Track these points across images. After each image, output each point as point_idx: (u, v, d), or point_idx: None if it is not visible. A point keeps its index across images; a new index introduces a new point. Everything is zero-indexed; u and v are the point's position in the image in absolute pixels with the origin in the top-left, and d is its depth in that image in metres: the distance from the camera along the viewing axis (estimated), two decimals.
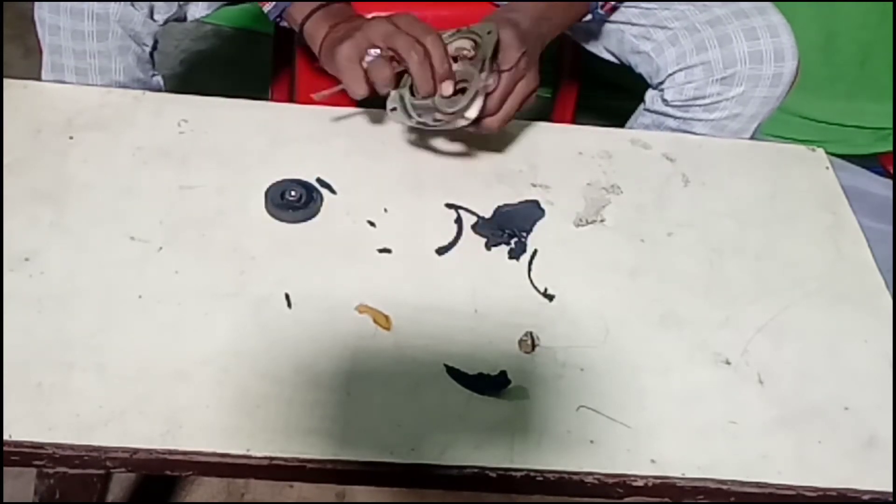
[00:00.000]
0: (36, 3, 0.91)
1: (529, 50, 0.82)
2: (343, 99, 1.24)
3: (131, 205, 0.79)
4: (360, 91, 0.80)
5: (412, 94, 0.80)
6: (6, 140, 0.83)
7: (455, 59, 0.80)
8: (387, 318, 0.73)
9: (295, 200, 0.80)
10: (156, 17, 0.95)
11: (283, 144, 0.87)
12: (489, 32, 0.79)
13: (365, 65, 0.80)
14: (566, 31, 1.08)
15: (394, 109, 0.81)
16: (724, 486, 0.66)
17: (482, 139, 0.91)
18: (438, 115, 0.79)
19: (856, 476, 0.67)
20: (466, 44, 0.80)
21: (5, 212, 0.77)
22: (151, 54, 0.99)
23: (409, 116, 0.80)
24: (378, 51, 0.79)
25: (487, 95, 0.79)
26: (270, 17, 0.90)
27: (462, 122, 0.79)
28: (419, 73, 0.77)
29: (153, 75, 1.01)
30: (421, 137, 0.90)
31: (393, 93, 0.80)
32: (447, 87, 0.78)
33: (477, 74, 0.78)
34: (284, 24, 0.90)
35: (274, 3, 0.88)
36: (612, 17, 1.00)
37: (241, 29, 1.87)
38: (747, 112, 0.96)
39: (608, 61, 1.08)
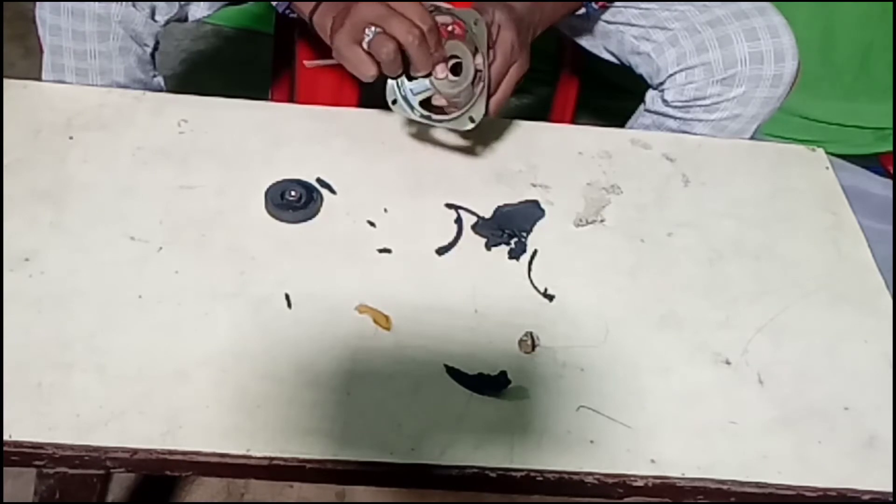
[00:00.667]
0: (37, 4, 0.91)
1: (522, 33, 0.82)
2: (344, 98, 1.24)
3: (131, 205, 0.79)
4: (368, 71, 0.78)
5: (409, 79, 0.80)
6: (6, 140, 0.83)
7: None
8: (387, 318, 0.73)
9: (295, 200, 0.80)
10: (157, 17, 0.95)
11: (283, 144, 0.87)
12: (475, 22, 0.77)
13: (365, 45, 0.78)
14: (565, 30, 1.08)
15: (394, 102, 0.80)
16: (724, 486, 0.66)
17: (482, 138, 0.91)
18: (439, 102, 0.79)
19: (856, 476, 0.67)
20: (448, 20, 0.79)
21: (5, 212, 0.77)
22: (153, 55, 0.99)
23: (412, 108, 0.80)
24: (376, 28, 0.77)
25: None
26: (279, 9, 0.89)
27: (468, 125, 0.79)
28: (417, 54, 0.76)
29: (154, 76, 1.01)
30: (421, 137, 0.90)
31: (390, 83, 0.80)
32: (441, 70, 0.78)
33: (468, 52, 0.78)
34: (294, 15, 0.90)
35: None
36: (612, 18, 1.00)
37: (241, 29, 1.87)
38: (748, 113, 0.96)
39: (608, 61, 1.08)
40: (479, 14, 0.78)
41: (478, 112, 0.78)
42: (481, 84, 0.78)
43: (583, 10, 0.94)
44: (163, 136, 0.85)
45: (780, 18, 0.95)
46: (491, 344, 0.72)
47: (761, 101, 0.95)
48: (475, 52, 0.78)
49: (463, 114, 0.79)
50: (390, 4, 0.76)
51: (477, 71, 0.78)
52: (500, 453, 0.65)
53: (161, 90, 1.01)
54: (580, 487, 0.65)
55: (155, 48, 0.99)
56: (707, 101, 0.96)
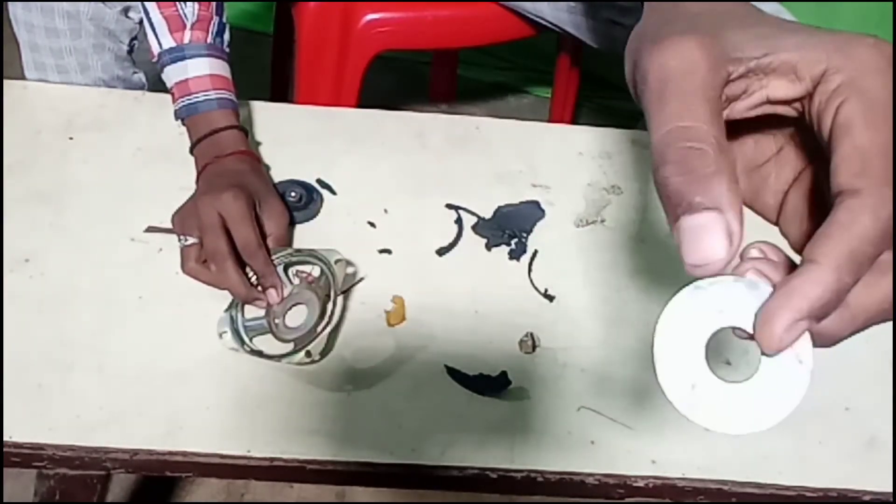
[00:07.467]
0: (9, 3, 0.90)
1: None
2: (343, 98, 1.23)
3: (131, 205, 0.79)
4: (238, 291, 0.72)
5: (243, 313, 0.72)
6: (6, 140, 0.83)
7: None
8: (403, 313, 0.73)
9: (295, 201, 0.80)
10: (131, 14, 0.94)
11: (283, 144, 0.87)
12: (337, 261, 0.71)
13: (181, 245, 0.73)
14: (570, 28, 1.07)
15: (224, 333, 0.70)
16: (725, 487, 0.66)
17: (482, 138, 0.91)
18: (276, 341, 0.70)
19: (856, 476, 0.67)
20: (308, 268, 0.74)
21: (5, 212, 0.77)
22: (130, 52, 0.98)
23: (243, 343, 0.69)
24: (192, 239, 0.72)
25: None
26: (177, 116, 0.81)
27: (304, 360, 0.67)
28: (225, 284, 0.71)
29: (134, 73, 1.00)
30: (421, 137, 0.90)
31: (224, 314, 0.71)
32: (272, 295, 0.71)
33: (318, 301, 0.70)
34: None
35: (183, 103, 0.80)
36: (623, 20, 1.00)
37: (241, 29, 1.87)
38: None
39: (609, 60, 1.08)
40: (340, 253, 0.72)
41: (317, 347, 0.68)
42: (325, 322, 0.69)
43: None
44: (163, 137, 0.85)
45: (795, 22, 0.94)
46: (491, 344, 0.72)
47: None
48: (326, 296, 0.70)
49: (299, 349, 0.68)
50: (224, 217, 0.71)
51: (324, 313, 0.69)
52: (500, 454, 0.65)
53: (142, 87, 1.00)
54: (581, 488, 0.65)
55: (131, 45, 0.97)
56: None
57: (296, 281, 0.73)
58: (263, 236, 0.73)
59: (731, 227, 0.30)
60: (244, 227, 0.71)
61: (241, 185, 0.73)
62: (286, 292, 0.72)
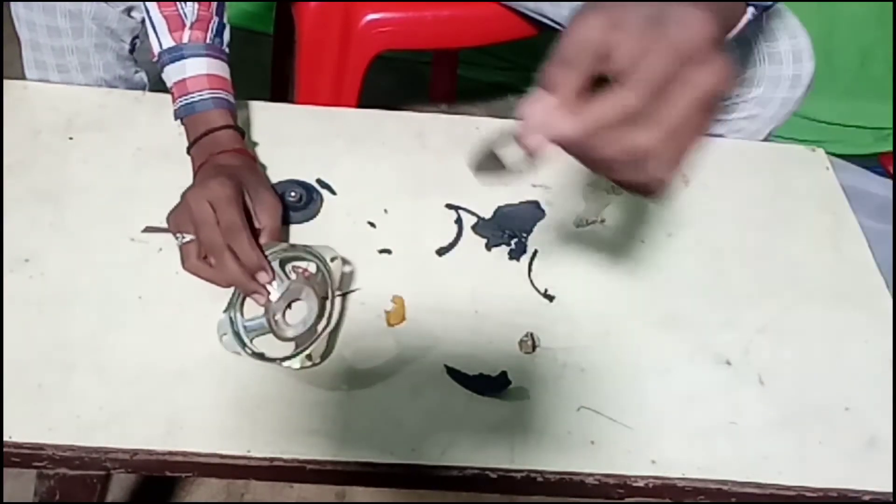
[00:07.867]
0: (11, 2, 0.90)
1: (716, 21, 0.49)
2: (343, 98, 1.23)
3: (131, 205, 0.79)
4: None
5: (242, 313, 0.72)
6: (6, 140, 0.83)
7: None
8: (402, 313, 0.73)
9: (295, 201, 0.80)
10: (133, 14, 0.94)
11: (283, 144, 0.87)
12: (332, 259, 0.71)
13: (178, 243, 0.73)
14: (568, 25, 1.07)
15: (224, 335, 0.70)
16: (725, 487, 0.66)
17: (482, 139, 0.90)
18: (277, 343, 0.70)
19: (856, 476, 0.67)
20: (303, 264, 0.74)
21: (5, 212, 0.77)
22: (131, 51, 0.98)
23: (244, 346, 0.69)
24: (189, 236, 0.72)
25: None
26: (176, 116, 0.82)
27: (306, 364, 0.67)
28: (223, 280, 0.71)
29: (136, 72, 1.00)
30: (421, 137, 0.90)
31: (223, 316, 0.70)
32: (262, 276, 0.71)
33: (315, 297, 0.70)
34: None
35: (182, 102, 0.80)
36: None
37: (241, 29, 1.87)
38: (766, 114, 0.95)
39: None
40: (335, 250, 0.72)
41: (317, 350, 0.68)
42: (325, 323, 0.69)
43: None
44: (163, 137, 0.85)
45: (796, 20, 0.94)
46: (491, 344, 0.72)
47: (780, 102, 0.94)
48: (325, 293, 0.70)
49: (300, 352, 0.67)
50: (227, 243, 0.70)
51: (322, 312, 0.70)
52: (500, 454, 0.65)
53: (144, 86, 1.00)
54: (580, 488, 0.65)
55: (133, 44, 0.97)
56: (725, 101, 0.94)
57: (293, 276, 0.73)
58: (257, 232, 0.73)
59: (552, 104, 0.52)
60: (229, 209, 0.70)
61: (229, 175, 0.73)
62: (283, 288, 0.72)
